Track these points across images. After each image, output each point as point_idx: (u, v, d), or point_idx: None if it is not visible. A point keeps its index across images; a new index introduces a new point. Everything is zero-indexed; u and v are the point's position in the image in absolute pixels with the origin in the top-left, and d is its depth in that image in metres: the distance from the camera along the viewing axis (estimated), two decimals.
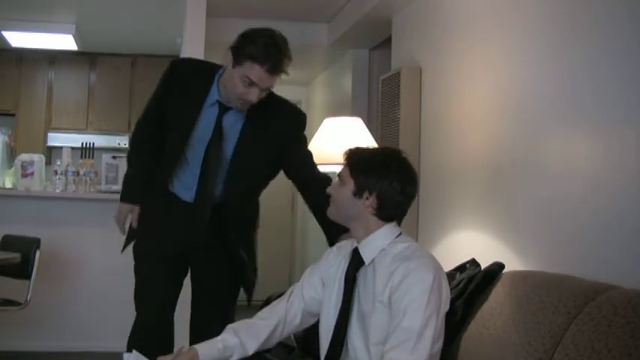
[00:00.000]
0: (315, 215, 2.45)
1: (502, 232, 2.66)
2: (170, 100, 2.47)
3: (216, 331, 2.01)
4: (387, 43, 4.57)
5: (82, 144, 6.21)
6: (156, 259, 2.55)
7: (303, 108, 4.23)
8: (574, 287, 1.80)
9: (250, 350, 1.96)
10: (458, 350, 2.06)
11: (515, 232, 2.57)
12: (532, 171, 2.46)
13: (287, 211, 6.83)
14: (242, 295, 2.66)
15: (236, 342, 1.94)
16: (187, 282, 2.68)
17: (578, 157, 2.20)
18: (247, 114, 2.40)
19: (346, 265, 1.96)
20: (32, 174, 4.71)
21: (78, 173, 4.70)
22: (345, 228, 2.05)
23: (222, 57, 2.33)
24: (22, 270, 3.85)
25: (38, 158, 4.80)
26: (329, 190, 2.01)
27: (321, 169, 2.68)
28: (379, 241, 1.90)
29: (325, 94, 6.42)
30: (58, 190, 4.64)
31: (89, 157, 5.71)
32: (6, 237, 4.11)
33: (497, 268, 2.19)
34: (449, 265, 2.28)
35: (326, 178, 2.44)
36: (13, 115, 6.86)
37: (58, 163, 4.76)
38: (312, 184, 2.44)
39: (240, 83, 2.26)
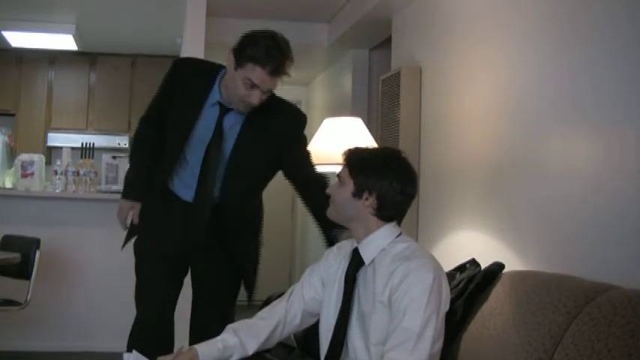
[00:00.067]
0: (312, 215, 2.45)
1: (502, 232, 2.66)
2: (172, 100, 2.47)
3: (216, 331, 2.00)
4: (387, 43, 4.57)
5: (82, 144, 6.22)
6: (156, 258, 2.55)
7: (303, 108, 4.24)
8: (574, 287, 1.80)
9: (250, 350, 1.96)
10: (458, 350, 2.06)
11: (515, 232, 2.57)
12: (532, 171, 2.46)
13: (287, 211, 6.84)
14: (242, 295, 2.66)
15: (236, 342, 1.94)
16: (188, 281, 2.68)
17: (578, 157, 2.20)
18: (247, 114, 2.40)
19: (346, 265, 1.96)
20: (32, 174, 4.71)
21: (78, 173, 4.70)
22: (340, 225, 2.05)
23: (225, 59, 2.33)
24: (22, 270, 3.85)
25: (38, 158, 4.80)
26: (328, 190, 2.00)
27: (321, 169, 2.68)
28: (379, 241, 1.90)
29: (325, 94, 6.42)
30: (58, 190, 4.64)
31: (89, 157, 5.72)
32: (6, 237, 4.11)
33: (497, 268, 2.19)
34: (449, 265, 2.28)
35: (324, 178, 2.44)
36: (13, 115, 6.85)
37: (58, 163, 4.76)
38: (311, 185, 2.44)
39: (242, 85, 2.26)
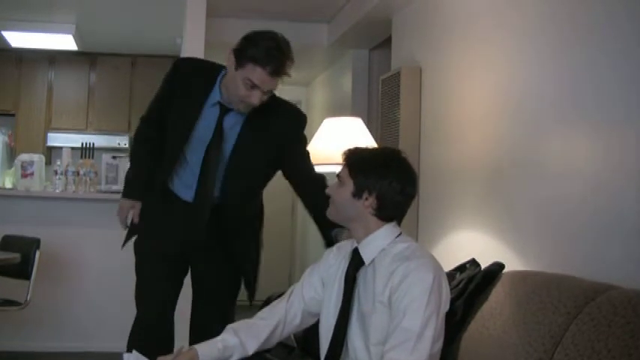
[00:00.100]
0: (311, 215, 2.45)
1: (502, 232, 2.66)
2: (172, 100, 2.48)
3: (216, 331, 2.00)
4: (387, 43, 4.57)
5: (82, 144, 6.22)
6: (156, 258, 2.55)
7: (303, 108, 4.24)
8: (574, 287, 1.80)
9: (250, 350, 1.96)
10: (458, 350, 2.05)
11: (515, 232, 2.57)
12: (532, 171, 2.46)
13: (287, 212, 6.84)
14: (242, 295, 2.66)
15: (236, 342, 1.94)
16: (188, 281, 2.68)
17: (578, 157, 2.20)
18: (247, 115, 2.40)
19: (346, 265, 1.96)
20: (32, 174, 4.71)
21: (78, 173, 4.70)
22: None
23: (225, 59, 2.33)
24: (22, 270, 3.85)
25: (38, 158, 4.80)
26: (328, 191, 2.00)
27: (321, 169, 2.68)
28: (379, 241, 1.90)
29: (325, 94, 6.42)
30: (58, 190, 4.64)
31: (89, 157, 5.73)
32: (6, 237, 4.11)
33: (497, 268, 2.19)
34: (449, 265, 2.28)
35: (322, 179, 2.44)
36: (13, 115, 6.85)
37: (58, 163, 4.76)
38: (310, 185, 2.44)
39: (243, 86, 2.26)
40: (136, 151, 2.68)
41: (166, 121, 2.50)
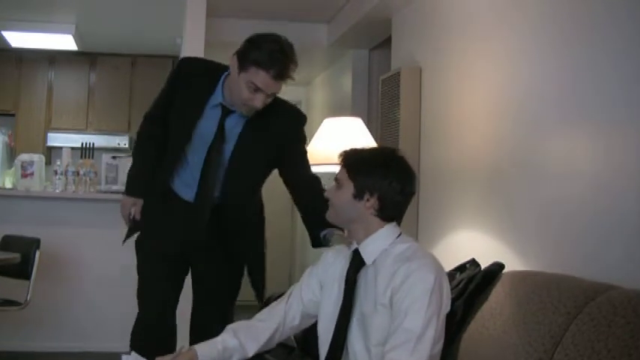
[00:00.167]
0: (301, 215, 2.45)
1: (502, 232, 2.66)
2: (175, 98, 2.48)
3: (216, 331, 2.00)
4: (387, 43, 4.57)
5: (82, 144, 6.21)
6: (156, 258, 2.56)
7: (303, 108, 4.25)
8: (574, 287, 1.80)
9: (250, 352, 1.96)
10: (458, 350, 2.05)
11: (516, 232, 2.56)
12: (532, 171, 2.46)
13: (287, 212, 6.83)
14: (242, 294, 2.66)
15: (236, 343, 1.94)
16: (188, 281, 2.68)
17: (579, 157, 2.20)
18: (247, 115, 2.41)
19: (346, 266, 1.96)
20: (32, 174, 4.71)
21: (78, 173, 4.70)
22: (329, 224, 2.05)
23: (229, 62, 2.33)
24: (21, 270, 3.85)
25: (38, 158, 4.80)
26: (326, 194, 1.99)
27: (321, 169, 2.68)
28: (380, 242, 1.89)
29: (325, 94, 6.42)
30: (57, 190, 4.64)
31: (89, 157, 5.72)
32: (6, 237, 4.11)
33: (497, 268, 2.18)
34: (449, 265, 2.28)
35: (317, 180, 2.45)
36: (13, 115, 6.85)
37: (58, 163, 4.76)
38: (305, 185, 2.44)
39: (246, 89, 2.25)
40: (138, 148, 2.69)
41: (169, 119, 2.51)
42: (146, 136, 2.64)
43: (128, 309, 2.62)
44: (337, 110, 5.44)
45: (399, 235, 1.92)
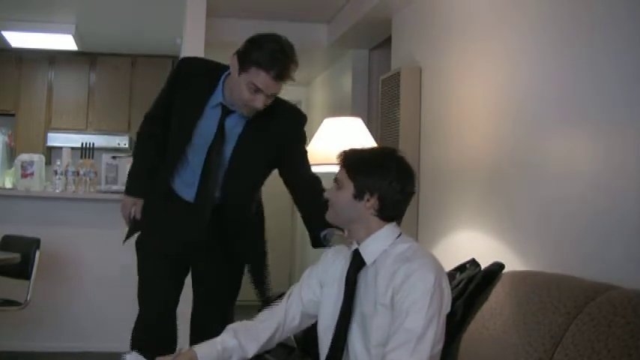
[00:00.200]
0: (301, 215, 2.45)
1: (502, 232, 2.66)
2: (175, 98, 2.48)
3: (216, 331, 2.00)
4: (387, 43, 4.57)
5: (82, 144, 6.21)
6: (157, 258, 2.56)
7: (303, 108, 4.24)
8: (574, 287, 1.80)
9: (250, 353, 1.96)
10: (458, 350, 2.05)
11: (516, 232, 2.56)
12: (532, 171, 2.46)
13: (287, 212, 6.83)
14: (242, 294, 2.66)
15: (235, 344, 1.94)
16: (188, 281, 2.68)
17: (579, 157, 2.20)
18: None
19: (346, 266, 1.96)
20: (32, 174, 4.71)
21: (78, 173, 4.70)
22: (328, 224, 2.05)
23: (229, 62, 2.33)
24: (22, 270, 3.85)
25: (38, 158, 4.80)
26: (326, 194, 1.98)
27: (321, 169, 2.68)
28: (380, 242, 1.89)
29: (325, 94, 6.42)
30: (57, 190, 4.63)
31: (89, 157, 5.72)
32: (6, 237, 4.11)
33: (497, 268, 2.18)
34: (449, 265, 2.28)
35: (317, 180, 2.44)
36: (13, 115, 6.85)
37: (58, 163, 4.76)
38: (305, 185, 2.44)
39: (246, 89, 2.25)
40: (139, 149, 2.69)
41: (169, 119, 2.51)
42: (146, 136, 2.64)
43: (128, 309, 2.62)
44: (337, 110, 5.44)
45: (399, 235, 1.92)
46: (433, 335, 1.74)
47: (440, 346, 1.80)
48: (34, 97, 6.93)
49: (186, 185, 2.51)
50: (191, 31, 4.44)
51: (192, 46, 4.36)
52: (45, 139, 6.89)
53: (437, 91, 3.44)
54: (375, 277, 1.86)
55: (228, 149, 2.44)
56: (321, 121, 3.66)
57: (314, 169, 2.56)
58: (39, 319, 4.45)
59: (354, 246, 1.94)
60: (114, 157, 5.02)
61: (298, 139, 2.53)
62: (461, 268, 2.31)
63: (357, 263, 1.92)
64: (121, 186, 4.51)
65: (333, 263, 2.02)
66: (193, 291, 2.67)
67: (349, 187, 1.89)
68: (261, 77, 2.22)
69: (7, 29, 5.96)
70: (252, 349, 1.96)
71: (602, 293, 1.70)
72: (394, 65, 4.12)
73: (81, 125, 6.99)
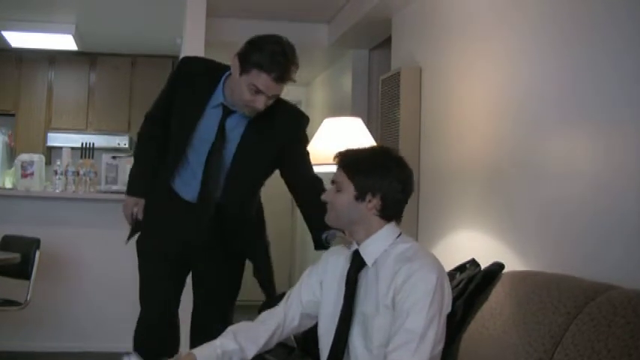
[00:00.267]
0: (303, 216, 2.45)
1: (502, 232, 2.66)
2: (176, 98, 2.48)
3: (216, 331, 2.00)
4: (387, 43, 4.57)
5: (82, 144, 6.21)
6: (157, 258, 2.56)
7: (303, 108, 4.23)
8: (574, 287, 1.80)
9: (249, 355, 1.95)
10: (458, 350, 2.05)
11: (516, 232, 2.56)
12: (532, 171, 2.46)
13: (287, 212, 6.83)
14: (242, 294, 2.66)
15: (235, 347, 1.93)
16: (188, 281, 2.68)
17: (579, 158, 2.20)
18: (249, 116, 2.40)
19: (346, 267, 1.95)
20: (32, 174, 4.71)
21: (78, 173, 4.70)
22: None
23: (230, 63, 2.33)
24: (21, 270, 3.85)
25: (38, 158, 4.80)
26: (325, 197, 1.97)
27: (321, 169, 2.67)
28: (381, 242, 1.89)
29: (325, 94, 6.42)
30: (57, 190, 4.63)
31: (89, 157, 5.71)
32: (6, 237, 4.11)
33: (497, 268, 2.18)
34: (449, 265, 2.28)
35: (320, 181, 2.44)
36: (13, 115, 6.85)
37: (58, 163, 4.76)
38: (307, 186, 2.44)
39: (247, 91, 2.25)
40: (139, 149, 2.69)
41: (170, 119, 2.51)
42: (147, 136, 2.64)
43: (128, 309, 2.62)
44: (337, 110, 5.44)
45: (399, 235, 1.92)
46: (434, 335, 1.74)
47: (440, 347, 1.80)
48: (34, 97, 6.93)
49: (186, 185, 2.51)
50: (191, 31, 4.43)
51: (192, 46, 4.36)
52: (45, 139, 6.89)
53: (437, 91, 3.44)
54: (377, 277, 1.86)
55: (229, 150, 2.44)
56: (321, 121, 3.66)
57: (314, 169, 2.56)
58: (39, 319, 4.45)
59: (354, 246, 1.94)
60: (114, 157, 5.02)
61: (299, 140, 2.53)
62: (461, 268, 2.31)
63: (357, 264, 1.92)
64: (121, 186, 4.52)
65: (333, 263, 2.02)
66: (193, 291, 2.68)
67: (350, 189, 1.88)
68: (262, 79, 2.22)
69: (7, 29, 5.96)
70: (251, 351, 1.96)
71: (602, 293, 1.70)
72: (394, 65, 4.12)
73: (81, 125, 6.99)
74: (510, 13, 2.71)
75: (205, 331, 2.30)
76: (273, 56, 2.21)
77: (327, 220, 1.98)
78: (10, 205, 4.56)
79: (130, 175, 2.72)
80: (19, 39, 6.18)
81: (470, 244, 2.90)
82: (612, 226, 2.01)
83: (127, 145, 6.85)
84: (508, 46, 2.71)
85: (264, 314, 2.06)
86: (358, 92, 5.32)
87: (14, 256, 3.69)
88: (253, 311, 2.14)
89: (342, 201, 1.90)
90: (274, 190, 2.79)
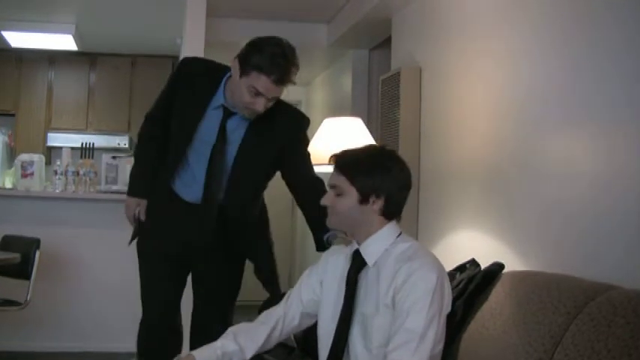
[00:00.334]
0: (305, 217, 2.45)
1: (502, 232, 2.66)
2: (176, 98, 2.48)
3: (217, 331, 2.00)
4: (387, 43, 4.57)
5: (82, 144, 6.21)
6: (158, 259, 2.56)
7: (303, 108, 4.25)
8: (574, 287, 1.80)
9: (249, 355, 1.95)
10: (458, 350, 2.05)
11: (516, 233, 2.56)
12: (533, 171, 2.45)
13: (287, 213, 6.84)
14: (242, 295, 2.66)
15: (235, 348, 1.93)
16: (188, 281, 2.68)
17: (580, 158, 2.20)
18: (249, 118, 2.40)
19: (346, 266, 1.95)
20: (32, 174, 4.71)
21: (78, 173, 4.70)
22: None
23: (230, 65, 2.33)
24: (21, 270, 3.85)
25: (38, 158, 4.80)
26: (325, 201, 1.95)
27: (321, 169, 2.67)
28: (381, 242, 1.89)
29: (325, 94, 6.42)
30: (57, 190, 4.63)
31: (89, 157, 5.71)
32: (6, 237, 4.11)
33: (497, 268, 2.18)
34: (449, 265, 2.27)
35: (321, 182, 2.44)
36: (13, 115, 6.85)
37: (58, 163, 4.75)
38: (308, 187, 2.43)
39: (247, 93, 2.25)
40: (140, 149, 2.69)
41: (170, 119, 2.50)
42: (147, 137, 2.64)
43: (128, 309, 2.63)
44: (337, 110, 5.43)
45: (400, 234, 1.92)
46: (434, 335, 1.74)
47: (440, 346, 1.80)
48: (34, 97, 6.93)
49: (186, 186, 2.51)
50: (191, 31, 4.43)
51: (192, 46, 4.36)
52: (45, 139, 6.89)
53: (437, 91, 3.44)
54: (377, 277, 1.86)
55: (230, 152, 2.44)
56: (321, 121, 3.66)
57: (315, 170, 2.55)
58: (39, 319, 4.45)
59: (355, 246, 1.94)
60: (114, 157, 5.02)
61: (300, 141, 2.53)
62: (461, 268, 2.31)
63: (357, 264, 1.92)
64: (121, 186, 4.52)
65: (332, 263, 2.01)
66: (193, 291, 2.68)
67: (352, 193, 1.87)
68: (261, 81, 2.22)
69: (7, 29, 5.96)
70: (251, 351, 1.96)
71: (602, 293, 1.69)
72: (394, 65, 4.11)
73: (81, 125, 6.99)
74: (511, 13, 2.71)
75: (205, 331, 2.30)
76: (273, 58, 2.20)
77: (328, 224, 1.98)
78: (10, 205, 4.56)
79: (131, 176, 2.72)
80: (19, 39, 6.18)
81: (470, 244, 2.90)
82: (613, 227, 2.01)
83: (127, 145, 6.85)
84: (508, 45, 2.71)
85: (264, 314, 2.06)
86: (358, 92, 5.32)
87: (14, 256, 3.69)
88: (253, 311, 2.13)
89: (344, 205, 1.89)
90: (274, 192, 2.79)
